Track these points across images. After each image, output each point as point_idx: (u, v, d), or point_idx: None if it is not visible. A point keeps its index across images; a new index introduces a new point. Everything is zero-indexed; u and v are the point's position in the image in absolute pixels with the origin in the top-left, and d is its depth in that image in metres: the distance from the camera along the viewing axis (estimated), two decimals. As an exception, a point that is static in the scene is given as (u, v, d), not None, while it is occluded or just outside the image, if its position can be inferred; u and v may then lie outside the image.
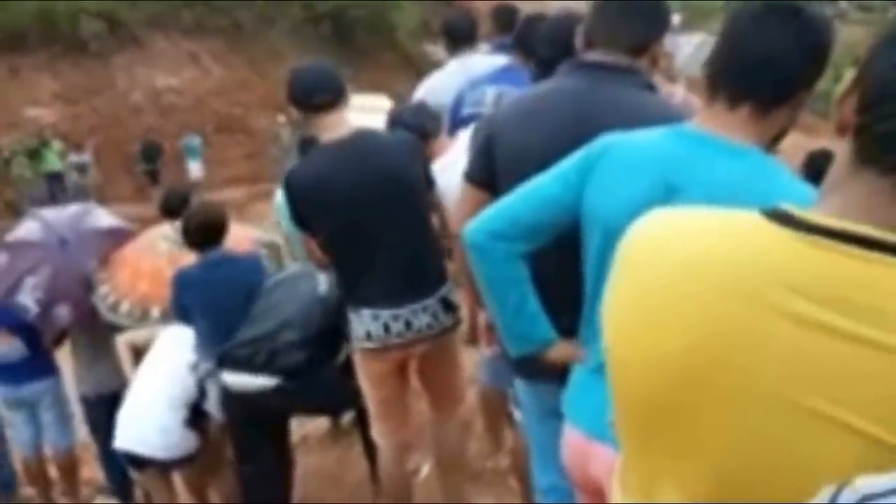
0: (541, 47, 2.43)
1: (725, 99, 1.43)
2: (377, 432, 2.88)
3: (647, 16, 1.91)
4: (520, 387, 2.12)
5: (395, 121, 3.22)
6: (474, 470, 3.28)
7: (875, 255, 0.81)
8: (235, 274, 3.30)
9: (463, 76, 3.56)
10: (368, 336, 2.66)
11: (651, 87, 1.92)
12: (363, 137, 2.65)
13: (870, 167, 0.85)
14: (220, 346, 3.14)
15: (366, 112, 5.28)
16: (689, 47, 13.83)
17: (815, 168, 4.04)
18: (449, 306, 2.72)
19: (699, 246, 0.91)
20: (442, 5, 10.18)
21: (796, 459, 0.81)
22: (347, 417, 4.17)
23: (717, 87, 1.44)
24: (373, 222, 2.61)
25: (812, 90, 1.46)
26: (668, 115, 1.71)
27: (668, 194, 1.41)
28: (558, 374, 1.71)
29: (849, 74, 0.92)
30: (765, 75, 1.40)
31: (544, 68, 2.25)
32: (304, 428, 4.36)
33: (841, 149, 0.91)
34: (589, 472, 1.57)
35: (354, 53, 14.57)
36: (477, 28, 4.03)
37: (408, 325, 2.64)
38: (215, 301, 3.23)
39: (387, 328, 2.64)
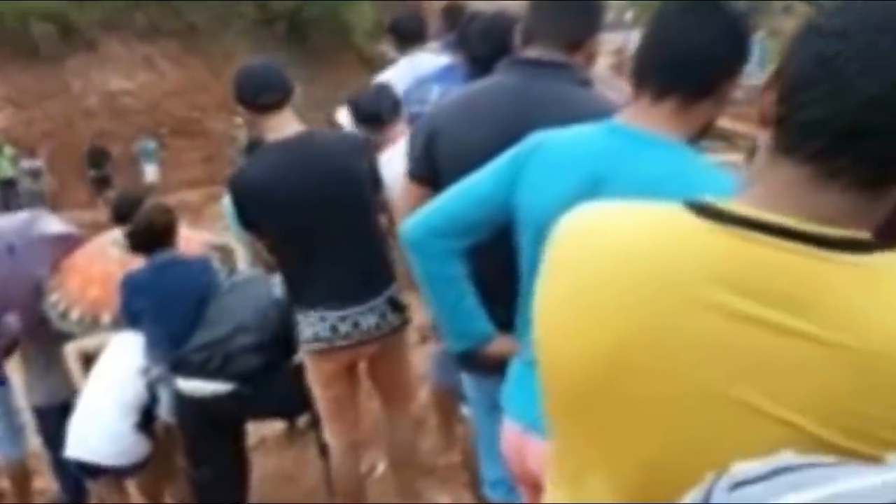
0: (474, 45, 2.45)
1: (651, 93, 1.45)
2: (328, 432, 2.88)
3: (582, 13, 1.93)
4: (466, 381, 2.14)
5: (352, 105, 3.20)
6: (428, 466, 3.29)
7: (795, 245, 0.82)
8: (185, 278, 3.27)
9: (410, 75, 3.57)
10: (316, 338, 2.66)
11: (587, 83, 1.94)
12: (309, 138, 2.64)
13: (789, 157, 0.86)
14: (172, 351, 3.11)
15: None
16: (643, 43, 13.92)
17: None
18: (397, 306, 2.72)
19: (625, 240, 0.93)
20: (397, 4, 10.14)
21: (724, 451, 0.82)
22: (304, 419, 4.15)
23: (643, 81, 1.47)
24: (318, 224, 2.60)
25: (735, 82, 1.50)
26: (602, 110, 1.74)
27: (597, 190, 1.43)
28: (501, 368, 1.73)
29: None
30: (687, 68, 1.43)
31: (478, 66, 2.27)
32: (261, 430, 4.34)
33: (763, 140, 0.93)
34: (526, 464, 1.59)
35: (310, 54, 14.49)
36: (425, 27, 4.04)
37: (355, 326, 2.64)
38: (165, 305, 3.20)
39: (334, 329, 2.64)
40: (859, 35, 0.84)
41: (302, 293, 2.68)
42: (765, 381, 0.82)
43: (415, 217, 1.69)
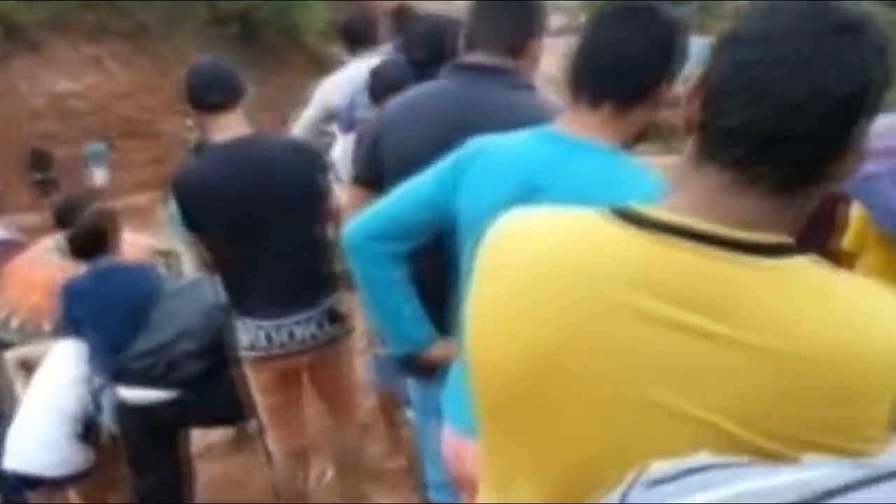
0: (414, 49, 2.45)
1: (587, 99, 1.46)
2: (270, 439, 2.86)
3: (523, 17, 1.95)
4: (410, 385, 2.14)
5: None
6: (376, 471, 3.29)
7: (715, 251, 0.83)
8: (127, 284, 3.21)
9: (359, 78, 3.55)
10: (252, 346, 2.64)
11: (529, 87, 1.95)
12: (254, 141, 2.61)
13: (711, 163, 0.87)
14: (114, 359, 3.05)
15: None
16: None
17: None
18: (336, 317, 2.69)
19: (551, 247, 0.93)
20: (351, 5, 10.10)
21: (647, 454, 0.83)
22: (253, 424, 4.11)
23: (579, 87, 1.48)
24: (255, 230, 2.57)
25: (669, 88, 1.51)
26: (543, 115, 1.75)
27: (533, 196, 1.43)
28: (443, 372, 1.73)
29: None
30: (621, 75, 1.45)
31: (418, 70, 2.27)
32: (209, 436, 4.28)
33: (686, 146, 0.94)
34: (465, 467, 1.59)
35: (262, 55, 14.33)
36: (375, 29, 4.02)
37: (291, 335, 2.62)
38: (106, 312, 3.13)
39: (269, 338, 2.61)
40: (779, 42, 0.86)
41: (240, 299, 2.65)
42: (686, 384, 0.83)
43: (355, 221, 1.68)
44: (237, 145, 2.57)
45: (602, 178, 1.42)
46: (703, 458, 0.61)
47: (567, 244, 0.92)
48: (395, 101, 2.12)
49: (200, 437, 3.86)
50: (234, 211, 2.54)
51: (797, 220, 0.90)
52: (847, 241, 2.60)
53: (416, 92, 2.08)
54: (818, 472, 0.53)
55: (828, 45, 0.84)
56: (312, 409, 3.07)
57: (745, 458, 0.63)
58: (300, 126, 3.72)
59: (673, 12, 1.50)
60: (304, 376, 2.84)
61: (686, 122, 0.92)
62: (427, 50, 2.34)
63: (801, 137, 0.84)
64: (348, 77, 3.68)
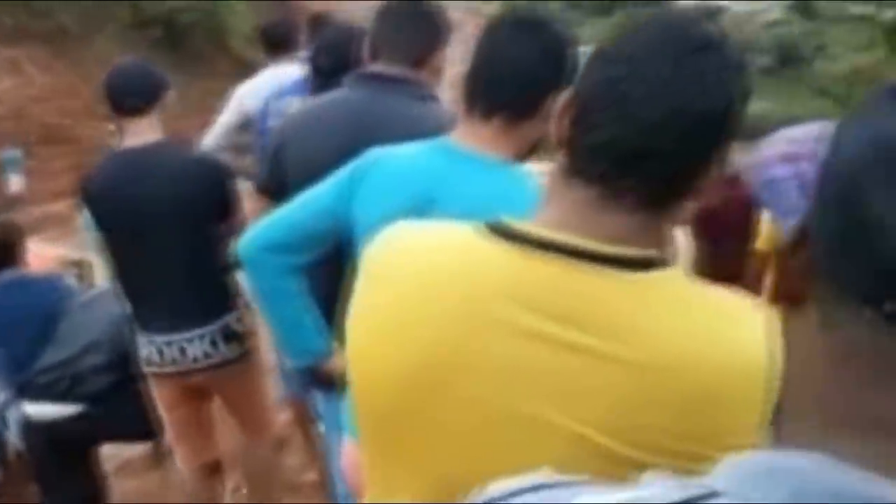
0: (318, 57, 2.45)
1: (480, 112, 1.48)
2: (178, 455, 2.80)
3: (425, 29, 1.96)
4: (317, 396, 2.12)
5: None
6: (293, 484, 3.25)
7: (583, 265, 0.85)
8: (32, 297, 3.11)
9: (274, 85, 3.52)
10: (147, 360, 2.58)
11: (431, 98, 1.96)
12: (158, 150, 2.55)
13: (579, 178, 0.89)
14: (20, 374, 2.96)
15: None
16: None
17: None
18: (231, 336, 2.62)
19: (429, 261, 0.94)
20: (277, 9, 9.98)
21: (521, 467, 0.84)
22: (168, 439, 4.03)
23: (472, 100, 1.49)
24: (147, 241, 2.52)
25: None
26: (445, 127, 1.76)
27: (426, 208, 1.45)
28: (346, 383, 1.72)
29: None
30: (513, 87, 1.46)
31: (323, 78, 2.27)
32: (125, 452, 4.18)
33: (557, 161, 0.95)
34: (362, 477, 1.58)
35: (188, 59, 14.06)
36: (295, 34, 3.98)
37: (182, 352, 2.56)
38: (11, 326, 3.03)
39: (161, 354, 2.56)
40: (642, 61, 0.88)
41: (136, 312, 2.60)
42: (558, 397, 0.84)
43: (250, 232, 1.67)
44: (142, 153, 2.52)
45: (493, 191, 1.43)
46: (540, 476, 0.62)
47: (444, 260, 0.93)
48: (299, 110, 2.11)
49: (116, 454, 3.76)
50: (129, 220, 2.50)
51: (664, 233, 0.92)
52: (759, 243, 2.70)
53: (319, 101, 2.08)
54: (646, 492, 0.55)
55: (687, 65, 0.87)
56: (229, 422, 3.02)
57: (583, 477, 0.64)
58: (215, 131, 3.66)
59: (563, 27, 1.52)
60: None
61: (556, 138, 0.94)
62: (332, 58, 2.34)
63: (663, 154, 0.87)
64: (264, 82, 3.64)
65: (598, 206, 0.88)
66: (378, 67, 1.95)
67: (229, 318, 2.62)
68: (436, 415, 0.90)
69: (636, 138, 0.86)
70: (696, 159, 0.89)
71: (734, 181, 3.03)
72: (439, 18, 1.99)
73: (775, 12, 18.29)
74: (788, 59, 17.64)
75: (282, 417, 3.19)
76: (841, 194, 0.51)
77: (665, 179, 0.88)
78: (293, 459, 3.41)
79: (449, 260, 0.93)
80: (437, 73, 2.01)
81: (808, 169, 3.64)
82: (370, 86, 1.94)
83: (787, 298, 0.57)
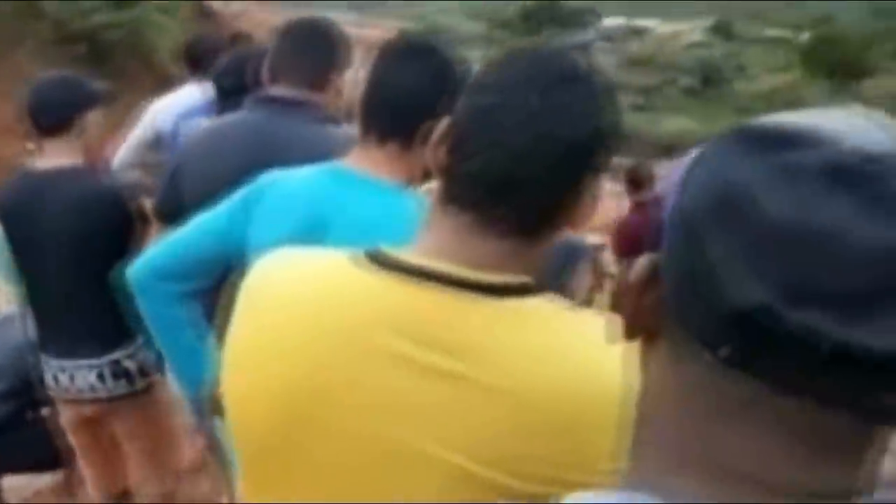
0: (222, 78, 2.43)
1: (374, 136, 1.48)
2: (87, 481, 2.72)
3: (324, 51, 1.96)
4: (216, 425, 2.08)
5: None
6: (204, 510, 3.19)
7: (456, 292, 0.85)
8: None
9: (188, 103, 3.47)
10: (48, 384, 2.52)
11: (330, 121, 1.96)
12: (62, 179, 2.41)
13: (453, 205, 0.89)
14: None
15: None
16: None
17: None
18: (120, 373, 2.51)
19: (303, 290, 0.93)
20: (204, 25, 9.88)
21: (404, 498, 0.84)
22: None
23: (367, 124, 1.50)
24: (48, 268, 2.44)
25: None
26: (344, 150, 1.76)
27: (318, 233, 1.44)
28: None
29: None
30: (402, 115, 1.47)
31: (226, 100, 2.25)
32: (35, 482, 4.04)
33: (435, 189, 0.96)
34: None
35: (111, 75, 13.79)
36: (217, 52, 3.92)
37: (72, 380, 2.48)
38: None
39: (56, 379, 2.49)
40: (511, 90, 0.89)
41: (39, 334, 2.54)
42: (434, 427, 0.84)
43: (142, 257, 1.64)
44: (45, 177, 2.44)
45: (385, 216, 1.43)
46: None
47: (319, 289, 0.93)
48: (197, 132, 2.08)
49: (27, 484, 3.64)
50: (28, 244, 2.43)
51: (538, 261, 0.93)
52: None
53: (217, 123, 2.06)
54: None
55: (555, 95, 0.89)
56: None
57: None
58: (125, 147, 3.58)
59: (453, 52, 1.53)
60: None
61: (433, 166, 0.95)
62: (234, 79, 2.32)
63: (533, 182, 0.88)
64: (179, 100, 3.59)
65: (473, 233, 0.89)
66: (277, 90, 1.94)
67: (120, 354, 2.51)
68: (312, 449, 0.89)
69: (505, 167, 0.88)
70: (565, 187, 0.90)
71: (656, 200, 3.08)
72: (339, 40, 1.99)
73: (697, 34, 18.89)
74: (710, 80, 18.21)
75: (197, 441, 3.12)
76: (683, 239, 0.53)
77: (536, 207, 0.90)
78: (206, 485, 3.34)
79: (324, 290, 0.93)
80: (338, 95, 2.01)
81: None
82: (269, 108, 1.93)
83: (643, 333, 0.58)
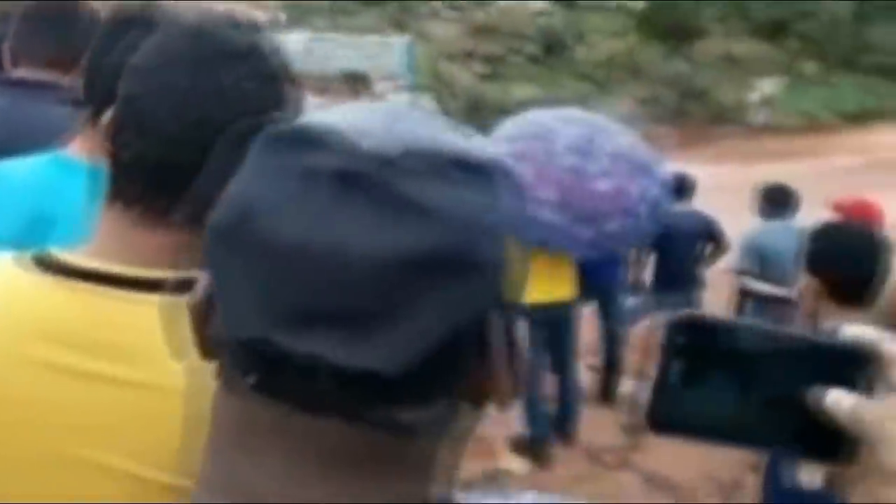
0: None
1: (93, 118, 1.40)
2: None
3: (67, 30, 1.84)
4: None
5: None
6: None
7: (116, 292, 0.81)
8: None
9: None
10: None
11: (80, 103, 1.85)
12: None
13: (118, 200, 0.85)
14: None
15: None
16: (296, 44, 14.08)
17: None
18: None
19: None
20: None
21: None
22: None
23: (85, 102, 1.41)
24: None
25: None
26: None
27: (41, 228, 1.35)
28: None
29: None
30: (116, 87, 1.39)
31: None
32: None
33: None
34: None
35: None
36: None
37: None
38: None
39: None
40: (161, 73, 0.85)
41: None
42: (100, 434, 0.80)
43: None
44: None
45: None
46: None
47: None
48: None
49: None
50: None
51: None
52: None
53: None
54: None
55: (206, 75, 0.84)
56: None
57: None
58: None
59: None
60: None
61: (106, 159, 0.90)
62: None
63: (189, 169, 0.84)
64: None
65: (139, 228, 0.85)
66: (20, 73, 1.84)
67: None
68: None
69: (160, 154, 0.84)
70: (230, 173, 0.87)
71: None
72: (86, 17, 1.88)
73: (540, 3, 19.25)
74: (552, 47, 18.66)
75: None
76: (206, 261, 0.53)
77: (196, 197, 0.85)
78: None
79: None
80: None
81: (526, 171, 3.81)
82: (13, 93, 1.82)
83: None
